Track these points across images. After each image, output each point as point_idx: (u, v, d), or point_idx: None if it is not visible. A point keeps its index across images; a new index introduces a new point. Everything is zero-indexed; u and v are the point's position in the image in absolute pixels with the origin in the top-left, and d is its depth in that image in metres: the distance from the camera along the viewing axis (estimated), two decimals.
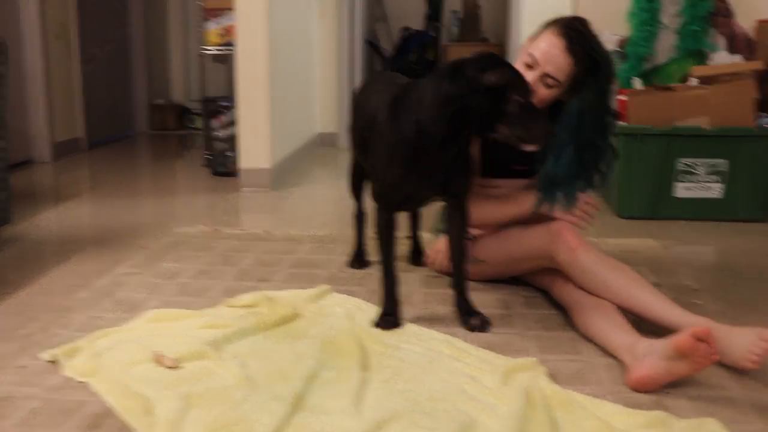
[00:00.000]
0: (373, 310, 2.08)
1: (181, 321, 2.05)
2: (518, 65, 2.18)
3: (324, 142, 5.57)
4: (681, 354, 1.60)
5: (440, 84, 1.83)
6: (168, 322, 2.05)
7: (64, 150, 5.04)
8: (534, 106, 1.88)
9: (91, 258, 2.72)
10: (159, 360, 1.76)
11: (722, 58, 3.57)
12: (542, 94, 2.14)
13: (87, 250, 2.82)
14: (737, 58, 3.56)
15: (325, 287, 2.27)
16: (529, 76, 2.13)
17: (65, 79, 5.13)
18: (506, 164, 2.32)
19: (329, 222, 3.22)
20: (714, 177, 3.30)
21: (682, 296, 2.24)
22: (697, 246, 3.03)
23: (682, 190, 3.32)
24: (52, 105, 4.91)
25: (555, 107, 2.19)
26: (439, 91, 1.83)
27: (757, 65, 3.41)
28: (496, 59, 1.87)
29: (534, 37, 2.18)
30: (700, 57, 3.61)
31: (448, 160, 1.93)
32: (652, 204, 3.35)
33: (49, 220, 3.33)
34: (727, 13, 3.69)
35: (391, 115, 1.95)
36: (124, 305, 2.19)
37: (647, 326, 1.86)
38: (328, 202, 3.77)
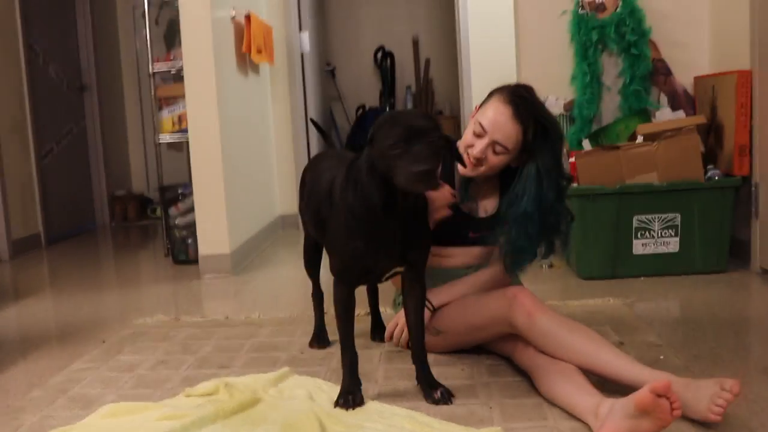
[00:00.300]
0: (334, 390, 2.03)
1: (137, 414, 1.99)
2: (467, 134, 2.23)
3: (285, 223, 5.57)
4: (643, 411, 1.58)
5: (367, 152, 1.86)
6: (124, 416, 1.98)
7: (22, 247, 4.97)
8: (413, 151, 1.73)
9: (48, 355, 2.65)
10: None
11: (665, 115, 3.67)
12: (492, 161, 2.18)
13: (45, 348, 2.76)
14: (680, 114, 3.66)
15: (285, 370, 2.23)
16: (478, 144, 2.16)
17: (22, 175, 5.11)
18: (462, 233, 2.33)
19: (291, 303, 3.19)
20: (669, 231, 3.35)
21: (645, 353, 2.24)
22: (658, 302, 3.04)
23: (639, 246, 3.36)
24: (9, 201, 4.87)
25: (508, 174, 2.22)
26: (367, 159, 1.85)
27: (699, 120, 3.50)
28: (383, 118, 1.85)
29: (481, 106, 2.23)
30: (645, 115, 3.70)
31: (400, 227, 1.92)
32: (611, 263, 3.37)
33: (7, 319, 3.26)
34: (666, 72, 3.81)
35: (342, 191, 1.95)
36: (79, 402, 2.12)
37: (612, 386, 1.85)
38: (289, 283, 3.74)
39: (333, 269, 2.04)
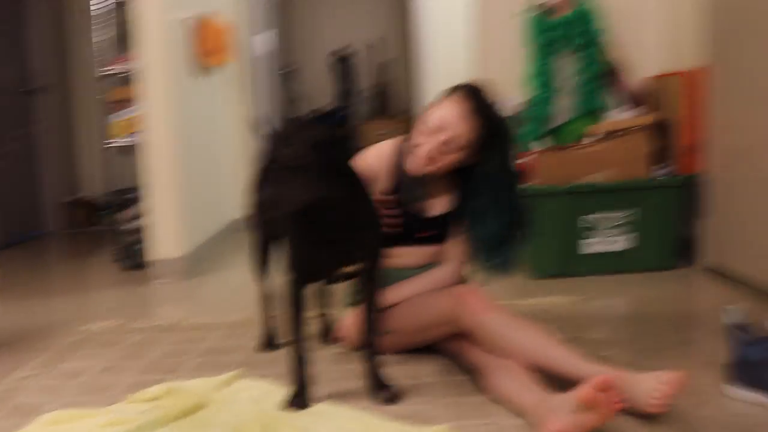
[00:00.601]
0: (282, 392, 2.02)
1: (80, 421, 1.95)
2: (417, 133, 2.21)
3: (238, 227, 5.50)
4: (585, 405, 1.60)
5: None
6: (66, 423, 1.94)
7: None
8: (295, 169, 1.74)
9: None
10: None
11: (616, 115, 3.71)
12: (443, 159, 2.17)
13: None
14: (630, 114, 3.71)
15: (233, 373, 2.20)
16: (429, 142, 2.16)
17: None
18: (410, 232, 2.33)
19: (243, 307, 3.15)
20: (618, 230, 3.39)
21: (593, 349, 2.24)
22: (608, 299, 3.08)
23: (590, 245, 3.39)
24: None
25: (464, 173, 2.22)
26: None
27: (648, 119, 3.55)
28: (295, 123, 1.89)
29: (433, 104, 2.22)
30: (596, 115, 3.75)
31: (342, 223, 1.91)
32: (562, 261, 3.40)
33: None
34: (617, 72, 3.86)
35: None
36: (20, 411, 2.07)
37: (559, 382, 1.86)
38: (242, 287, 3.70)
39: (287, 267, 2.03)
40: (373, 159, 2.33)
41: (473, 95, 2.17)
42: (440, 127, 2.15)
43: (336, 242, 1.93)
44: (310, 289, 2.18)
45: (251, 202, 2.36)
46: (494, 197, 2.15)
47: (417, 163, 2.20)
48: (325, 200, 1.79)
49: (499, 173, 2.17)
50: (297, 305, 2.00)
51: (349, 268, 2.02)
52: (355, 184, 1.93)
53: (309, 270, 2.00)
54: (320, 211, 1.83)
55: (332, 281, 2.20)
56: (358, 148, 2.11)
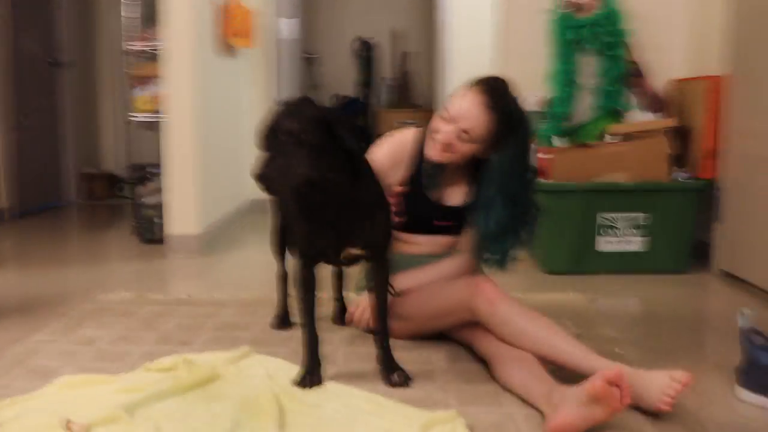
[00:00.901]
0: (294, 370, 2.04)
1: (95, 386, 1.98)
2: (436, 120, 2.24)
3: (255, 208, 5.53)
4: (594, 399, 1.61)
5: None
6: (81, 388, 1.98)
7: None
8: (296, 143, 1.74)
9: (8, 327, 2.62)
10: (68, 427, 1.69)
11: (637, 117, 3.71)
12: (459, 148, 2.20)
13: (4, 319, 2.72)
14: (651, 116, 3.71)
15: (246, 348, 2.23)
16: (446, 130, 2.18)
17: None
18: (428, 220, 2.35)
19: (256, 286, 3.19)
20: (634, 231, 3.39)
21: (602, 345, 2.26)
22: (620, 298, 3.09)
23: (604, 243, 3.40)
24: None
25: (479, 165, 2.24)
26: None
27: (669, 122, 3.56)
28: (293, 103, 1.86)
29: (455, 95, 2.24)
30: (617, 116, 3.75)
31: (348, 210, 1.92)
32: (576, 259, 3.41)
33: None
34: (640, 74, 3.85)
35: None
36: (37, 373, 2.10)
37: (568, 374, 1.88)
38: (256, 266, 3.73)
39: (294, 249, 2.04)
40: (396, 145, 2.36)
41: (493, 89, 2.19)
42: (457, 117, 2.17)
43: (338, 223, 1.94)
44: (325, 272, 2.21)
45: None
46: (502, 191, 2.17)
47: (435, 148, 2.22)
48: (324, 179, 1.78)
49: (510, 168, 2.18)
50: (306, 286, 2.02)
51: (355, 251, 2.03)
52: (360, 168, 1.92)
53: (312, 249, 2.01)
54: (320, 190, 1.83)
55: (340, 263, 2.21)
56: (372, 135, 2.12)
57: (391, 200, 2.22)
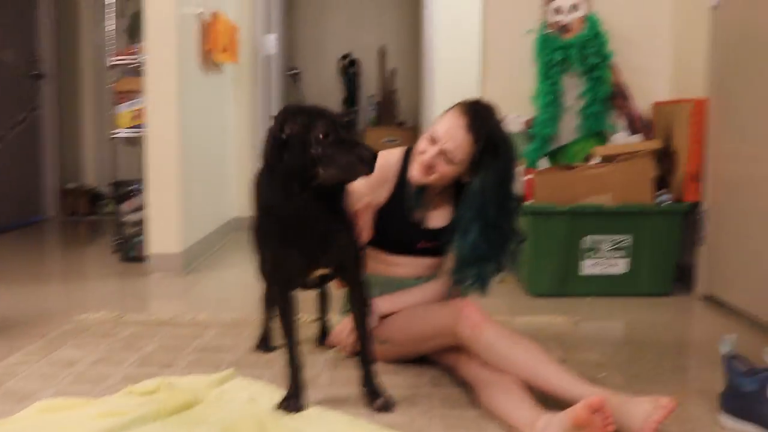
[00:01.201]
0: (277, 394, 2.02)
1: (74, 410, 1.95)
2: (422, 140, 2.25)
3: (239, 226, 5.50)
4: (578, 426, 1.61)
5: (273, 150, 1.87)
6: (60, 412, 1.94)
7: None
8: (346, 139, 1.84)
9: None
10: None
11: (622, 139, 3.73)
12: (442, 170, 2.20)
13: None
14: (636, 138, 3.73)
15: (228, 371, 2.20)
16: (429, 151, 2.19)
17: None
18: (410, 241, 2.34)
19: (239, 306, 3.16)
20: (618, 253, 3.40)
21: (587, 370, 2.26)
22: (604, 321, 3.09)
23: (588, 266, 3.40)
24: None
25: (460, 187, 2.24)
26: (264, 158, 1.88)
27: (654, 145, 3.57)
28: (294, 110, 1.90)
29: (440, 117, 2.26)
30: (601, 137, 3.77)
31: (317, 228, 1.92)
32: (561, 281, 3.41)
33: None
34: (625, 96, 3.88)
35: (259, 193, 2.03)
36: (15, 396, 2.07)
37: (553, 401, 1.87)
38: (239, 286, 3.71)
39: (265, 274, 2.04)
40: (381, 164, 2.35)
41: (476, 112, 2.20)
42: (439, 138, 2.18)
43: (305, 243, 1.93)
44: (310, 293, 2.19)
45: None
46: (480, 216, 2.17)
47: (417, 169, 2.23)
48: (281, 204, 1.84)
49: (491, 193, 2.17)
50: (285, 311, 2.01)
51: (323, 271, 2.03)
52: (322, 191, 1.90)
53: (280, 273, 2.01)
54: (281, 214, 1.87)
55: (312, 285, 2.18)
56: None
57: (358, 217, 2.20)
